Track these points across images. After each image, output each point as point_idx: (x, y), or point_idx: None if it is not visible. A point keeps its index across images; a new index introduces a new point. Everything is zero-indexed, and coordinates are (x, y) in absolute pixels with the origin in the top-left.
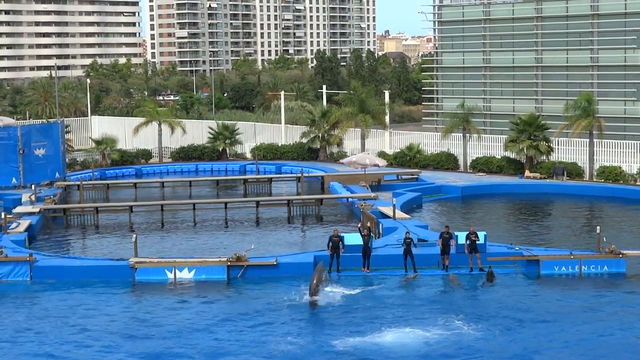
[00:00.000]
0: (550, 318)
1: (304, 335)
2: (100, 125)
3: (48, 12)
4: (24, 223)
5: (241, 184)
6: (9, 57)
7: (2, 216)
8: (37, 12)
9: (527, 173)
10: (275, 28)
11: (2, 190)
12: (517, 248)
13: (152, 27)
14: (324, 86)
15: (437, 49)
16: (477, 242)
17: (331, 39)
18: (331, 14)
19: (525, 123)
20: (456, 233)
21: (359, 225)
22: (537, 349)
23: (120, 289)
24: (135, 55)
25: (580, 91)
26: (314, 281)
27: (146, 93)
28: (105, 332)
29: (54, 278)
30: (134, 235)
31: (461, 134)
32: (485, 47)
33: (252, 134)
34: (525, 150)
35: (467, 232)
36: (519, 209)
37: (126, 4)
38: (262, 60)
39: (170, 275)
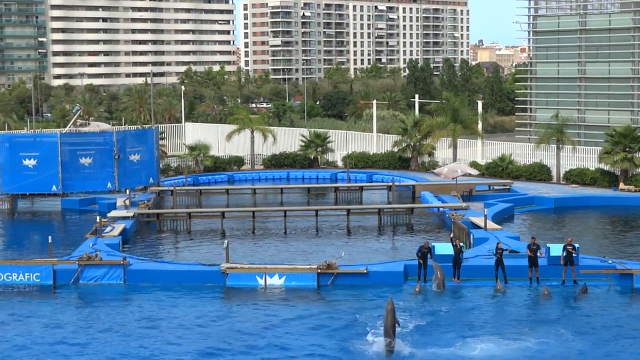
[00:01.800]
0: None
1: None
2: (194, 132)
3: (144, 20)
4: (118, 227)
5: (332, 192)
6: (106, 64)
7: (97, 220)
8: (134, 20)
9: (621, 185)
10: (368, 37)
11: (98, 194)
12: (610, 261)
13: (245, 36)
14: (417, 95)
15: (531, 59)
16: (574, 254)
17: (424, 48)
18: (424, 23)
19: (620, 135)
20: (549, 245)
21: (451, 235)
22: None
23: (211, 294)
24: (229, 63)
25: None
26: (388, 324)
27: (239, 100)
28: (199, 336)
29: (147, 281)
30: (226, 241)
31: (555, 145)
32: (580, 57)
33: (344, 142)
34: (619, 163)
35: (565, 244)
36: (612, 221)
37: (221, 12)
38: (355, 68)
39: (261, 281)
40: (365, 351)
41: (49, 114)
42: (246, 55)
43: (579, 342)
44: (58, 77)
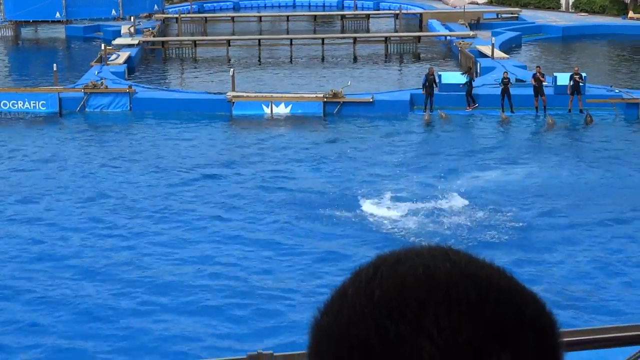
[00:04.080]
0: None
1: (402, 174)
2: None
3: None
4: (123, 55)
5: (338, 19)
6: None
7: (102, 48)
8: None
9: (630, 14)
10: None
11: (102, 21)
12: (617, 90)
13: None
14: None
15: None
16: (581, 83)
17: None
18: None
19: None
20: (555, 74)
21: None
22: (635, 185)
23: (217, 122)
24: None
25: None
26: None
27: None
28: (203, 159)
29: (153, 110)
30: (232, 69)
31: None
32: None
33: None
34: None
35: (572, 73)
36: (620, 50)
37: None
38: None
39: (267, 110)
40: (370, 177)
41: None
42: None
43: (585, 169)
44: None
